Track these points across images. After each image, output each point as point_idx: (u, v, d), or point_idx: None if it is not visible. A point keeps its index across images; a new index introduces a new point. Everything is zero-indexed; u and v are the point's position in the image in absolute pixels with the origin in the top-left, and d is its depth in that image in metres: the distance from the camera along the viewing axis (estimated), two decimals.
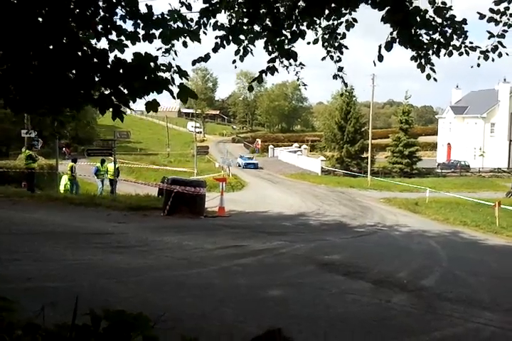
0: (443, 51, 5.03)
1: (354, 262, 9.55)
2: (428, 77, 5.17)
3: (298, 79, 6.25)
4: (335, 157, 49.54)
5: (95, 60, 3.18)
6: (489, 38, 5.07)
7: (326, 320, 5.97)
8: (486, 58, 5.15)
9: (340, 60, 5.79)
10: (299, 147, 60.03)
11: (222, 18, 5.23)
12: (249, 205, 21.70)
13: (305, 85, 6.51)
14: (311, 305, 6.59)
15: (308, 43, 5.70)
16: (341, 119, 50.07)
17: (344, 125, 49.74)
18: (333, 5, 4.99)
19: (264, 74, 5.36)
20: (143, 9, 3.85)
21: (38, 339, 1.65)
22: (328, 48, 5.70)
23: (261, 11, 5.09)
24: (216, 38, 5.22)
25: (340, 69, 5.86)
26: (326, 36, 5.60)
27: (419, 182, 37.57)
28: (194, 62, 5.24)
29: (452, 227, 18.98)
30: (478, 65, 5.36)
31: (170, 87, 3.32)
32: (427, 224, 19.73)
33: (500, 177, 47.95)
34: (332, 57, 5.75)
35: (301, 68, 5.81)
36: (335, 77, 5.94)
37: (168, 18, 4.06)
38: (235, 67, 5.67)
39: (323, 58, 5.84)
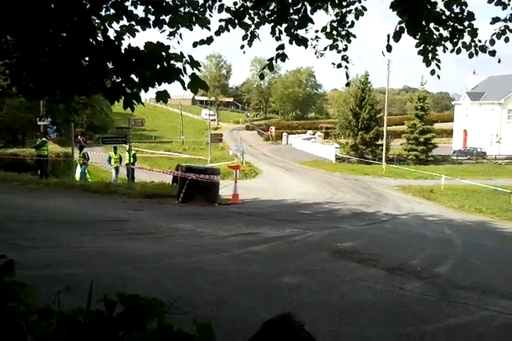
0: (450, 47, 4.96)
1: (368, 249, 9.54)
2: (432, 72, 5.11)
3: (316, 53, 6.07)
4: (349, 144, 49.20)
5: (108, 47, 3.18)
6: (492, 23, 4.91)
7: (340, 307, 5.99)
8: (492, 43, 5.03)
9: (346, 49, 5.68)
10: (313, 134, 59.69)
11: (228, 1, 5.17)
12: (263, 193, 21.73)
13: (322, 55, 6.32)
14: (324, 292, 6.62)
15: (317, 31, 5.61)
16: (356, 106, 49.62)
17: (359, 112, 49.31)
18: None
19: (274, 61, 5.29)
20: None
21: (53, 324, 1.68)
22: (335, 37, 5.60)
23: None
24: (220, 21, 5.15)
25: (345, 58, 5.73)
26: (335, 24, 5.50)
27: (434, 169, 37.24)
28: (195, 44, 5.16)
29: (467, 215, 18.84)
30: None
31: (181, 77, 3.31)
32: (442, 211, 19.61)
33: None
34: (337, 47, 5.63)
35: (317, 41, 5.68)
36: (339, 66, 5.79)
37: (179, 3, 4.04)
38: (244, 52, 5.61)
39: (325, 48, 5.71)
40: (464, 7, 4.72)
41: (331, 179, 31.81)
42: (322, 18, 5.64)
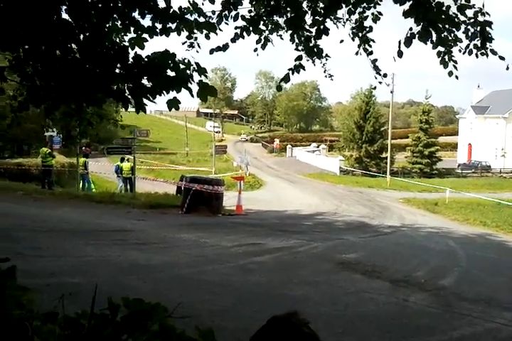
0: (463, 49, 4.98)
1: (372, 261, 9.50)
2: (450, 74, 5.12)
3: (324, 71, 6.14)
4: (354, 157, 49.21)
5: (116, 55, 3.21)
6: None
7: (343, 318, 5.96)
8: None
9: (371, 53, 5.73)
10: (318, 147, 59.79)
11: (243, 9, 5.24)
12: (267, 204, 21.70)
13: (331, 76, 6.38)
14: (328, 303, 6.58)
15: (341, 41, 5.66)
16: (360, 119, 49.72)
17: (363, 125, 49.39)
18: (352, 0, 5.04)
19: (291, 73, 5.31)
20: (161, 4, 3.89)
21: (57, 327, 1.69)
22: (358, 42, 5.66)
23: (282, 4, 5.09)
24: (236, 28, 5.23)
25: (374, 61, 5.78)
26: (355, 30, 5.56)
27: (439, 182, 37.09)
28: (212, 51, 5.23)
29: (472, 228, 18.75)
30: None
31: (189, 84, 3.32)
32: (446, 224, 19.51)
33: None
34: (366, 50, 5.69)
35: (326, 60, 5.74)
36: (374, 67, 5.85)
37: (185, 11, 4.09)
38: (257, 54, 5.68)
39: (357, 53, 5.78)
40: (478, 13, 4.74)
41: (335, 191, 31.76)
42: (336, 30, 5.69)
